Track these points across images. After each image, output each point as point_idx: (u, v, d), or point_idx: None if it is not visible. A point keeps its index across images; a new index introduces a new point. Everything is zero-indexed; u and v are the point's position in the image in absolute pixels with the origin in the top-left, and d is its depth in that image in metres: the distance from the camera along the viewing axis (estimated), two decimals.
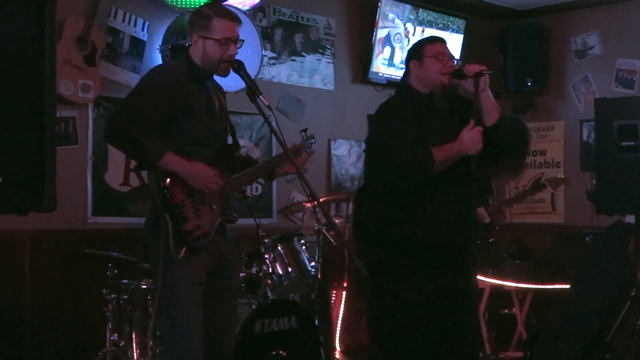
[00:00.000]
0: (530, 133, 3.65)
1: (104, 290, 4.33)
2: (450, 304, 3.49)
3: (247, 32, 5.25)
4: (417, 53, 3.60)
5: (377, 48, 6.27)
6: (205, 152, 3.32)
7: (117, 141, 3.28)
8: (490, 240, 5.16)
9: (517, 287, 5.89)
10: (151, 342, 4.19)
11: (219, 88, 3.53)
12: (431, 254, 3.45)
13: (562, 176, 6.11)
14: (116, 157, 4.96)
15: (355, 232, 3.70)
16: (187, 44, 3.42)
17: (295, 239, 4.79)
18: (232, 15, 3.39)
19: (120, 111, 3.30)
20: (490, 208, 4.99)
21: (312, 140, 3.77)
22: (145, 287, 4.27)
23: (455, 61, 3.67)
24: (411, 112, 3.48)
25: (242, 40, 3.40)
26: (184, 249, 3.18)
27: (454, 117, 3.54)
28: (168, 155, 3.16)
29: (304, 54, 6.09)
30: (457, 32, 6.78)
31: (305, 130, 3.82)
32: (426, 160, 3.34)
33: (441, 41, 3.69)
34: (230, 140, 3.53)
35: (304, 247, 4.81)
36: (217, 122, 3.41)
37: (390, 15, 6.33)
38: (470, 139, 3.37)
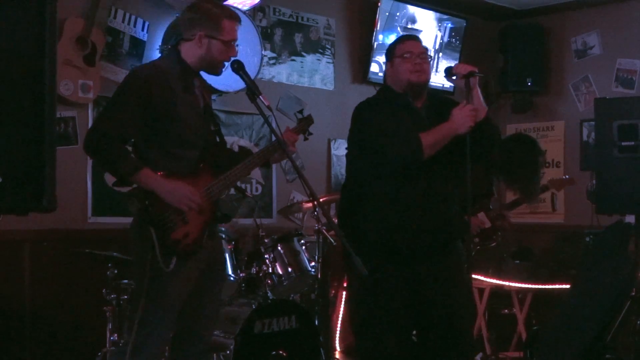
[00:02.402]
0: (497, 141, 3.67)
1: (104, 290, 4.33)
2: (425, 303, 3.51)
3: (247, 32, 5.26)
4: (389, 54, 3.65)
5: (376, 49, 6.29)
6: (190, 153, 3.26)
7: (93, 157, 3.31)
8: (492, 244, 5.16)
9: (517, 287, 5.88)
10: None
11: (205, 86, 3.48)
12: (404, 253, 3.47)
13: (567, 177, 6.08)
14: None
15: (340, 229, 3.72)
16: (182, 37, 3.33)
17: (295, 239, 4.80)
18: (237, 17, 3.37)
19: (95, 125, 3.21)
20: (490, 212, 4.98)
21: (308, 126, 3.71)
22: None
23: (429, 56, 3.66)
24: (389, 109, 3.51)
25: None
26: (173, 259, 3.10)
27: (431, 117, 3.54)
28: (144, 172, 3.11)
29: (304, 54, 6.09)
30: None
31: (301, 112, 3.79)
32: (414, 143, 3.36)
33: (411, 39, 3.69)
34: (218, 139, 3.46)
35: (304, 247, 4.82)
36: (202, 122, 3.34)
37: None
38: (461, 116, 3.39)
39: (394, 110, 3.52)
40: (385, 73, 3.71)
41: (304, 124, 3.70)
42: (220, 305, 3.70)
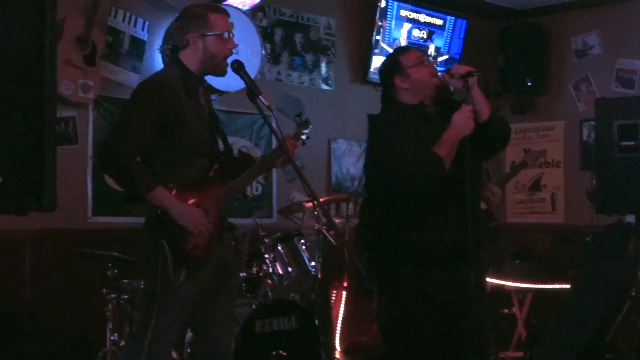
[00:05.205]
0: (508, 133, 3.70)
1: (104, 290, 4.33)
2: (458, 308, 3.47)
3: (247, 32, 5.26)
4: (397, 68, 3.51)
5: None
6: (199, 162, 3.28)
7: (109, 172, 3.30)
8: (490, 225, 5.14)
9: (517, 287, 5.89)
10: None
11: (207, 91, 3.49)
12: (438, 258, 3.43)
13: (538, 150, 6.17)
14: None
15: (362, 243, 3.69)
16: (179, 46, 3.35)
17: (295, 238, 4.79)
18: (223, 9, 3.39)
19: (110, 141, 3.21)
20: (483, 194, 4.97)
21: (307, 129, 3.71)
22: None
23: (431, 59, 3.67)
24: (407, 125, 3.46)
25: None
26: (183, 271, 3.13)
27: (447, 121, 3.53)
28: (158, 190, 3.12)
29: (304, 54, 6.09)
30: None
31: (299, 115, 3.78)
32: (435, 162, 3.33)
33: (410, 48, 3.69)
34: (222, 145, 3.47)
35: (304, 247, 4.81)
36: (208, 130, 3.35)
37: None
38: (462, 119, 3.39)
39: (412, 126, 3.45)
40: (394, 88, 3.53)
41: (303, 127, 3.71)
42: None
